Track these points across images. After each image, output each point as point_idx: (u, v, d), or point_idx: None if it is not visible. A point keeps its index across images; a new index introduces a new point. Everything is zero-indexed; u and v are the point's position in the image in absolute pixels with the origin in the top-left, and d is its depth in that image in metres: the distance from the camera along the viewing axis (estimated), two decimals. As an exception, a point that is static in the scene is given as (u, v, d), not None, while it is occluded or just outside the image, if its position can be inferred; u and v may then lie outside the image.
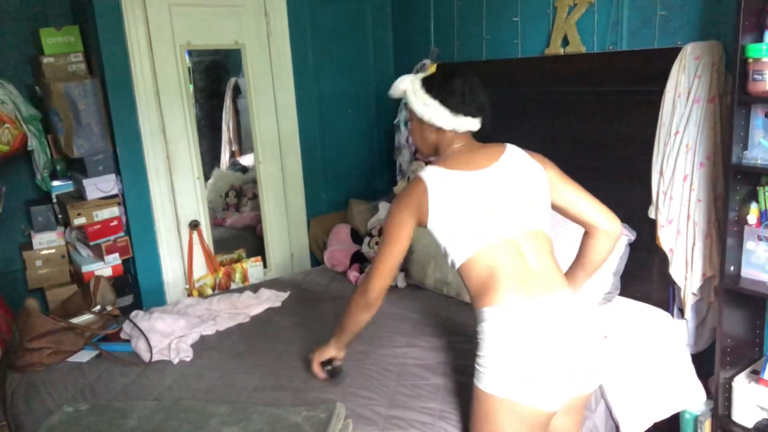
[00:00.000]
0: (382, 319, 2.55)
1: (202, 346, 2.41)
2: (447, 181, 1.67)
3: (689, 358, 2.41)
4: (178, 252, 3.31)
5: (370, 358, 2.22)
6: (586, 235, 1.80)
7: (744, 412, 2.16)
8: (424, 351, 2.25)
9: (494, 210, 1.65)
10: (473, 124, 1.74)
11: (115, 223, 3.09)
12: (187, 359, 2.30)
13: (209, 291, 3.31)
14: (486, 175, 1.68)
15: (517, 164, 1.72)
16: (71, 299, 2.69)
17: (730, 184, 2.06)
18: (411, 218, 1.69)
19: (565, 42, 2.78)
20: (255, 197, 3.71)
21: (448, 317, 2.52)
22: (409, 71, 3.54)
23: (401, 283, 2.91)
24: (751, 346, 2.31)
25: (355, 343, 2.34)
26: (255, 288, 3.02)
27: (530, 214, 1.69)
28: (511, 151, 1.74)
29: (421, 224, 1.69)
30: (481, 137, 1.81)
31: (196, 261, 3.34)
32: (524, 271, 1.62)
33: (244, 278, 3.45)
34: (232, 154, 4.08)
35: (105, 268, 3.08)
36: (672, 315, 2.44)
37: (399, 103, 3.64)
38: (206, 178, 3.51)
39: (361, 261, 3.13)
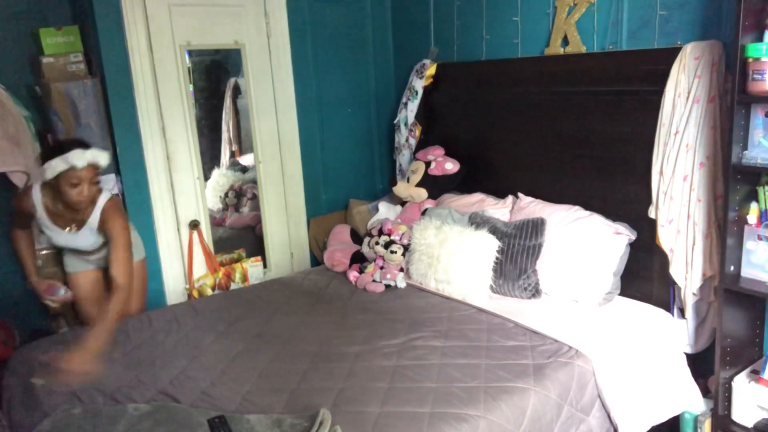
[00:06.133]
0: (381, 319, 2.55)
1: (199, 346, 2.40)
2: None
3: (685, 360, 2.40)
4: (178, 252, 3.31)
5: (365, 358, 2.21)
6: None
7: (744, 412, 2.17)
8: (421, 352, 2.23)
9: None
10: None
11: (115, 223, 3.08)
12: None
13: (209, 291, 3.31)
14: None
15: None
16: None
17: (730, 183, 2.06)
18: None
19: (565, 42, 2.79)
20: (255, 197, 3.71)
21: (447, 318, 2.52)
22: (409, 71, 3.56)
23: (401, 284, 2.90)
24: (751, 346, 2.31)
25: (351, 344, 2.34)
26: (256, 287, 3.01)
27: None
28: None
29: None
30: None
31: (196, 261, 3.34)
32: None
33: (244, 278, 3.44)
34: (232, 154, 4.06)
35: (105, 268, 3.07)
36: (672, 315, 2.44)
37: (399, 103, 3.65)
38: (206, 178, 3.51)
39: (360, 261, 3.12)
